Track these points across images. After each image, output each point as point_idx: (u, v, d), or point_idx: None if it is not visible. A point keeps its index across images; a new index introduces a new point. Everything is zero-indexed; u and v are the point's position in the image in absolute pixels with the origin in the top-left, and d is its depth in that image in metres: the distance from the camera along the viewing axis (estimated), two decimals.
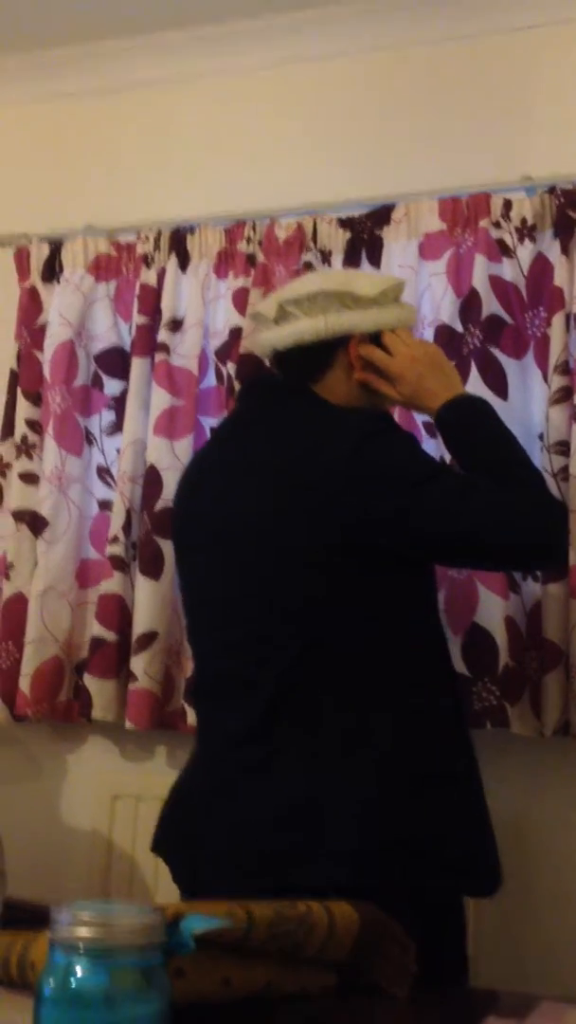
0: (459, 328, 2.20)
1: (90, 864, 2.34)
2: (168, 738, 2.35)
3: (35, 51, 2.68)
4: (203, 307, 2.40)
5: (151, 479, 2.34)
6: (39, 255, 2.57)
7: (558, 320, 2.12)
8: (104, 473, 2.47)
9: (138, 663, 2.27)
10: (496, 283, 2.18)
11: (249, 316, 2.21)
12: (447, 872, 1.42)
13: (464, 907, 1.51)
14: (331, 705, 1.43)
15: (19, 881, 1.99)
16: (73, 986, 0.70)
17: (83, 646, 2.39)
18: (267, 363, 1.78)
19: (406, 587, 1.52)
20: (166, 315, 2.41)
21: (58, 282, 2.54)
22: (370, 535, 1.43)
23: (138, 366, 2.42)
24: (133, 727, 2.27)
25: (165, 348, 2.39)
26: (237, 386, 2.27)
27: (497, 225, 2.21)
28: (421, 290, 2.27)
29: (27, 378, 2.53)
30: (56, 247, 2.56)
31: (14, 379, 2.55)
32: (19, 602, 2.43)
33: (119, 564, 2.34)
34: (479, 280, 2.17)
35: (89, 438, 2.49)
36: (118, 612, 2.33)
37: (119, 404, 2.46)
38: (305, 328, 1.59)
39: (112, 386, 2.48)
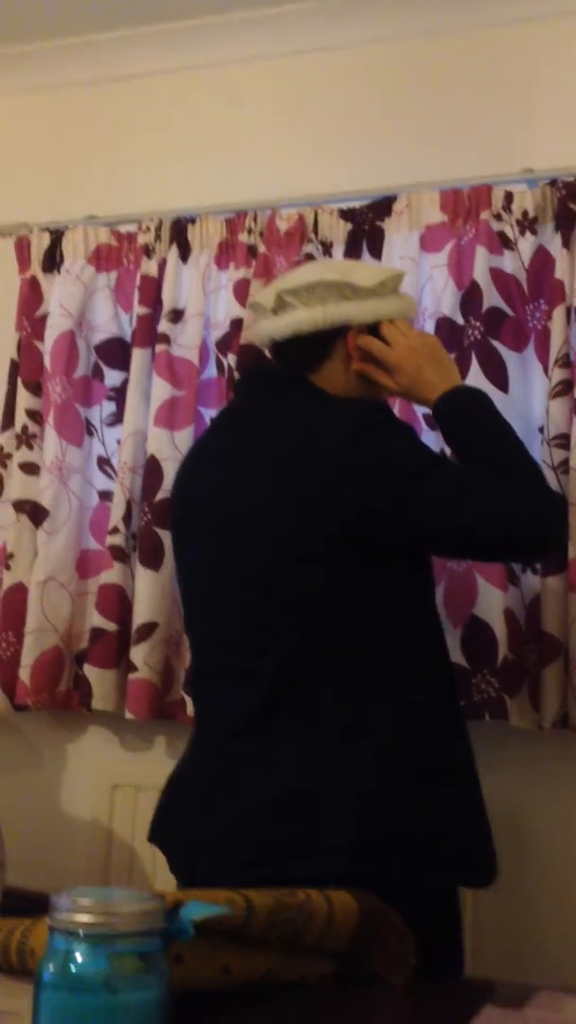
0: (460, 320, 2.20)
1: (89, 853, 2.35)
2: (168, 728, 2.36)
3: (36, 41, 2.67)
4: (204, 298, 2.40)
5: (151, 470, 2.34)
6: (40, 245, 2.57)
7: (559, 313, 2.12)
8: (104, 464, 2.47)
9: (138, 653, 2.28)
10: (497, 275, 2.18)
11: (248, 306, 2.21)
12: (444, 864, 1.42)
13: (460, 898, 1.52)
14: (329, 697, 1.43)
15: (18, 870, 1.99)
16: (73, 971, 0.71)
17: (83, 636, 2.39)
18: (267, 354, 1.78)
19: (405, 579, 1.52)
20: (167, 306, 2.41)
21: (59, 272, 2.54)
22: (368, 526, 1.43)
23: (139, 357, 2.42)
24: (133, 717, 2.28)
25: (166, 339, 2.39)
26: (238, 377, 2.27)
27: (498, 217, 2.21)
28: (422, 282, 2.26)
29: (28, 368, 2.52)
30: (57, 237, 2.56)
31: (15, 369, 2.55)
32: (19, 592, 2.43)
33: (119, 555, 2.35)
34: (480, 272, 2.17)
35: (89, 429, 2.49)
36: (118, 603, 2.33)
37: (119, 395, 2.46)
38: (303, 318, 1.59)
39: (112, 377, 2.49)
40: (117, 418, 2.46)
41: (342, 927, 1.05)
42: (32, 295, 2.56)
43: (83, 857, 2.35)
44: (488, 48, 2.38)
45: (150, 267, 2.45)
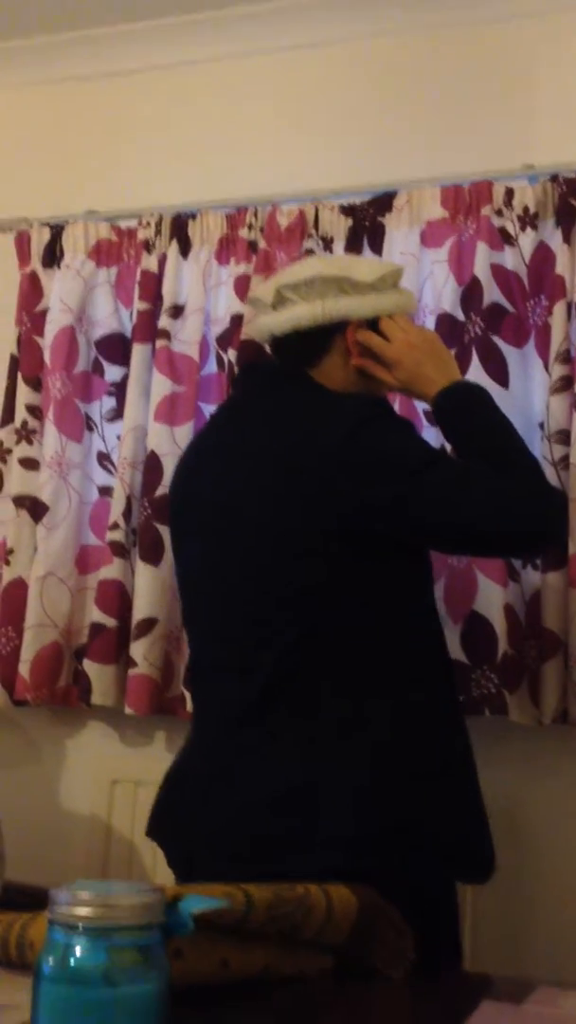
0: (460, 316, 2.20)
1: (89, 848, 2.35)
2: (167, 724, 2.36)
3: (37, 35, 2.67)
4: (204, 293, 2.40)
5: (151, 465, 2.34)
6: (40, 240, 2.57)
7: (559, 309, 2.12)
8: (104, 459, 2.47)
9: (138, 649, 2.28)
10: (498, 271, 2.18)
11: (247, 301, 2.21)
12: (441, 859, 1.42)
13: (457, 893, 1.52)
14: (328, 691, 1.43)
15: (18, 865, 1.99)
16: (72, 964, 0.71)
17: (83, 632, 2.40)
18: (267, 349, 1.78)
19: (404, 575, 1.52)
20: (167, 301, 2.41)
21: (59, 267, 2.54)
22: (367, 521, 1.43)
23: (139, 352, 2.42)
24: (132, 712, 2.28)
25: (166, 334, 2.39)
26: (236, 371, 2.27)
27: (499, 213, 2.21)
28: (423, 278, 2.26)
29: (27, 363, 2.52)
30: (57, 232, 2.56)
31: (14, 364, 2.55)
32: (19, 587, 2.43)
33: (119, 550, 2.35)
34: (481, 268, 2.17)
35: (89, 424, 2.49)
36: (118, 598, 2.33)
37: (120, 390, 2.46)
38: (302, 313, 1.58)
39: (113, 372, 2.48)
40: (117, 413, 2.46)
41: (341, 922, 1.05)
42: (32, 290, 2.56)
43: (82, 852, 2.36)
44: (489, 43, 2.37)
45: (150, 262, 2.45)
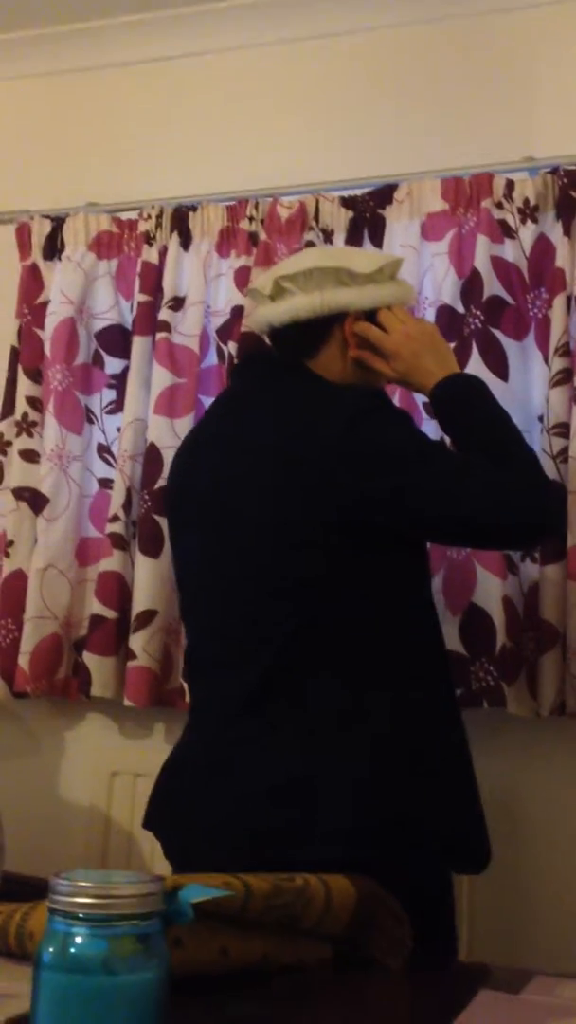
0: (460, 309, 2.20)
1: (88, 840, 2.36)
2: (166, 715, 2.37)
3: (37, 27, 2.67)
4: (205, 286, 2.40)
5: (151, 458, 2.34)
6: (40, 232, 2.56)
7: (559, 302, 2.12)
8: (104, 451, 2.48)
9: (137, 641, 2.28)
10: (498, 264, 2.18)
11: (246, 292, 2.21)
12: (438, 850, 1.43)
13: (453, 884, 1.52)
14: (327, 683, 1.43)
15: (17, 856, 1.99)
16: (72, 953, 0.71)
17: (82, 623, 2.40)
18: (266, 340, 1.78)
19: (402, 568, 1.52)
20: (167, 293, 2.41)
21: (59, 259, 2.53)
22: (366, 513, 1.43)
23: (139, 344, 2.42)
24: (132, 704, 2.28)
25: (166, 326, 2.39)
26: (235, 362, 2.27)
27: (499, 206, 2.21)
28: (423, 270, 2.26)
29: (28, 355, 2.52)
30: (58, 224, 2.55)
31: (15, 356, 2.55)
32: (18, 579, 2.43)
33: (119, 542, 2.35)
34: (481, 261, 2.17)
35: (90, 416, 2.49)
36: (117, 590, 2.34)
37: (120, 382, 2.46)
38: (301, 304, 1.58)
39: (113, 364, 2.48)
40: (117, 406, 2.46)
41: (339, 912, 1.05)
42: (32, 282, 2.55)
43: (81, 843, 2.36)
44: (490, 35, 2.37)
45: (151, 254, 2.45)
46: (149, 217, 2.47)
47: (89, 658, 2.33)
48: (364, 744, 1.41)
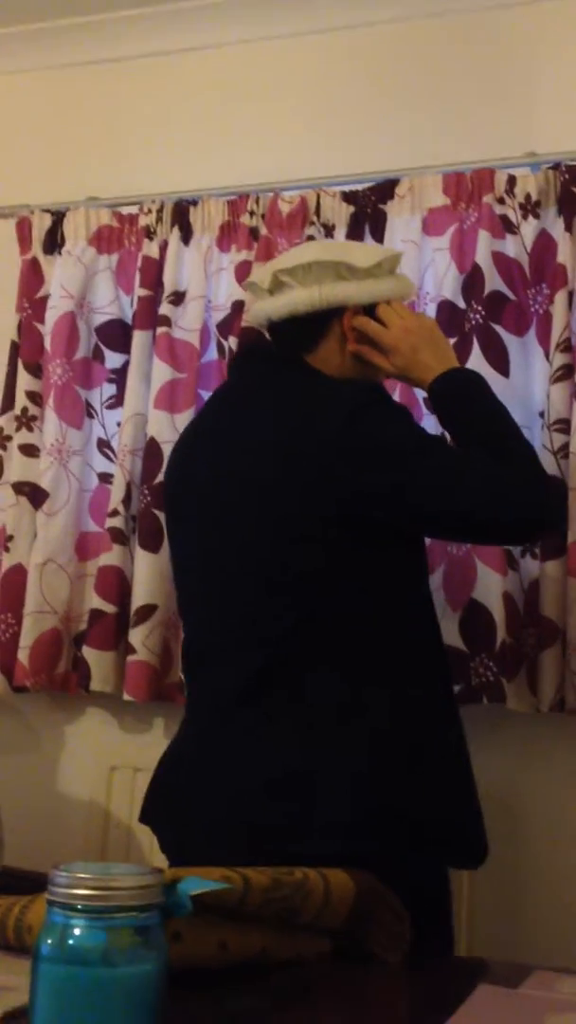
0: (461, 304, 2.19)
1: (87, 834, 2.36)
2: (166, 710, 2.37)
3: (38, 21, 2.66)
4: (205, 280, 2.40)
5: (151, 452, 2.34)
6: (41, 226, 2.56)
7: (560, 297, 2.12)
8: (104, 446, 2.47)
9: (137, 635, 2.28)
10: (499, 259, 2.18)
11: (244, 286, 2.21)
12: (435, 845, 1.43)
13: (449, 879, 1.52)
14: (326, 677, 1.43)
15: (16, 850, 1.99)
16: (71, 944, 0.71)
17: (82, 618, 2.40)
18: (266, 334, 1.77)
19: (401, 563, 1.52)
20: (168, 288, 2.41)
21: (59, 254, 2.53)
22: (365, 507, 1.43)
23: (139, 339, 2.42)
24: (131, 699, 2.28)
25: (167, 321, 2.39)
26: (233, 356, 2.27)
27: (501, 201, 2.20)
28: (424, 265, 2.26)
29: (28, 350, 2.52)
30: (58, 218, 2.55)
31: (15, 351, 2.54)
32: (18, 574, 2.43)
33: (119, 537, 2.35)
34: (482, 256, 2.17)
35: (90, 411, 2.49)
36: (117, 585, 2.34)
37: (120, 377, 2.46)
38: (300, 298, 1.58)
39: (113, 359, 2.48)
40: (117, 400, 2.46)
41: (338, 906, 1.05)
42: (33, 276, 2.55)
43: (81, 838, 2.36)
44: (492, 31, 2.37)
45: (151, 249, 2.44)
46: (150, 211, 2.47)
47: (89, 652, 2.33)
48: (362, 738, 1.41)
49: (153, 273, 2.43)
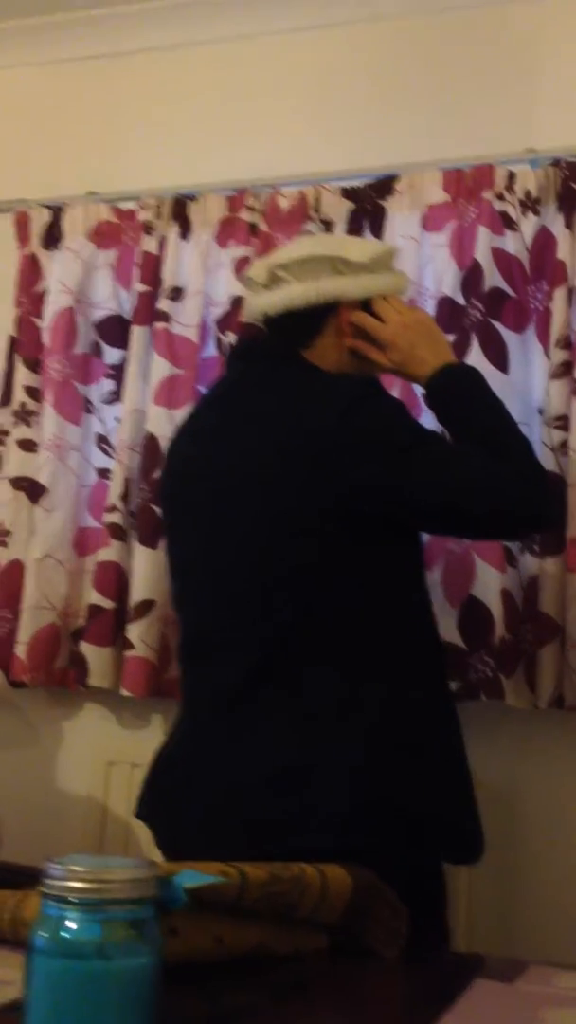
0: (461, 301, 2.19)
1: (85, 829, 2.36)
2: (164, 706, 2.36)
3: (37, 16, 2.66)
4: (204, 276, 2.40)
5: (150, 448, 2.34)
6: (39, 221, 2.56)
7: (560, 294, 2.12)
8: (103, 442, 2.47)
9: (135, 631, 2.28)
10: (499, 256, 2.18)
11: (241, 281, 2.21)
12: (431, 840, 1.43)
13: (445, 875, 1.52)
14: (323, 672, 1.43)
15: (14, 845, 2.00)
16: (65, 937, 0.71)
17: (80, 614, 2.40)
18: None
19: (398, 558, 1.51)
20: (167, 283, 2.40)
21: (58, 249, 2.53)
22: (360, 501, 1.43)
23: (138, 334, 2.41)
24: (129, 694, 2.28)
25: (165, 317, 2.38)
26: (229, 351, 2.27)
27: (500, 197, 2.20)
28: (423, 262, 2.26)
29: (26, 345, 2.52)
30: (57, 213, 2.55)
31: (13, 346, 2.54)
32: (16, 569, 2.43)
33: (117, 532, 2.35)
34: (482, 252, 2.17)
35: (88, 406, 2.48)
36: (115, 580, 2.33)
37: (118, 372, 2.46)
38: (296, 293, 1.57)
39: (112, 354, 2.48)
40: (116, 396, 2.46)
41: (335, 901, 1.05)
42: (31, 271, 2.55)
43: (78, 833, 2.36)
44: (491, 27, 2.36)
45: (150, 244, 2.44)
46: (149, 207, 2.46)
47: (87, 648, 2.33)
48: (359, 734, 1.40)
49: (152, 268, 2.42)
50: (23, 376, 2.50)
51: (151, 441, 2.34)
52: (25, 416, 2.49)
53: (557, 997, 0.95)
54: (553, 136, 2.24)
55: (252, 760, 1.41)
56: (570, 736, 2.13)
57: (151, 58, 2.62)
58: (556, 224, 2.17)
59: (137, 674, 2.27)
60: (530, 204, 2.18)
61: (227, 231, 2.40)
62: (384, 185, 2.30)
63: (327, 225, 2.33)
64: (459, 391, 1.57)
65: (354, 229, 2.31)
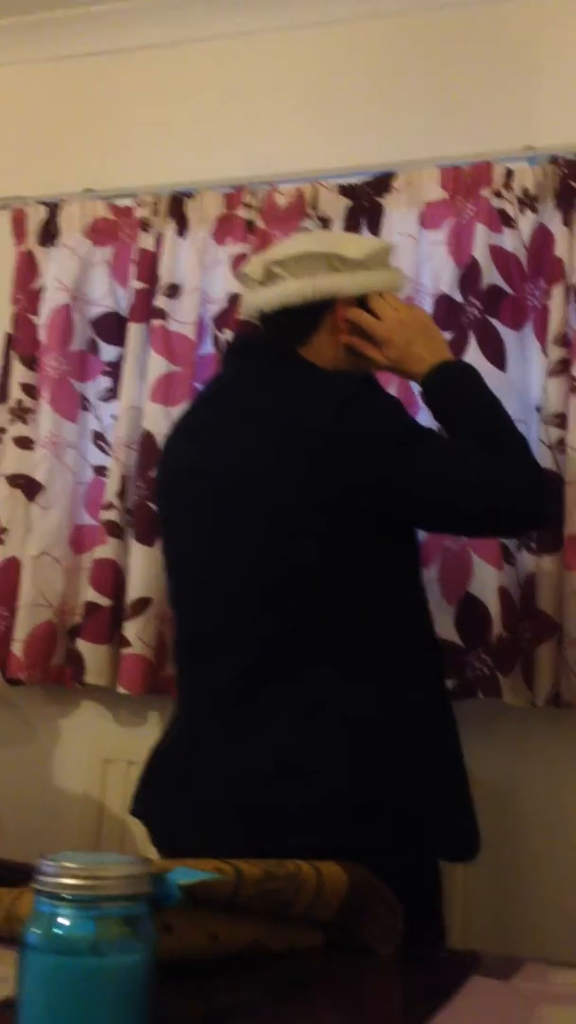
0: (458, 298, 2.19)
1: (81, 827, 2.36)
2: (160, 703, 2.36)
3: (35, 12, 2.65)
4: (201, 273, 2.39)
5: (147, 445, 2.34)
6: (36, 218, 2.55)
7: (558, 291, 2.12)
8: (99, 439, 2.47)
9: (131, 628, 2.28)
10: (497, 253, 2.17)
11: (237, 278, 2.20)
12: (427, 838, 1.42)
13: (441, 872, 1.51)
14: (319, 670, 1.43)
15: (10, 842, 2.00)
16: (58, 934, 0.71)
17: (77, 611, 2.39)
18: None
19: (394, 557, 1.51)
20: (164, 281, 2.40)
21: (55, 246, 2.52)
22: (356, 499, 1.43)
23: (135, 332, 2.41)
24: (126, 692, 2.28)
25: (162, 314, 2.38)
26: (225, 348, 2.26)
27: (498, 195, 2.20)
28: (421, 259, 2.26)
29: (23, 342, 2.51)
30: (53, 210, 2.54)
31: (9, 343, 2.54)
32: (13, 566, 2.43)
33: (114, 530, 2.34)
34: (479, 250, 2.16)
35: (85, 403, 2.48)
36: (112, 577, 2.33)
37: (115, 370, 2.45)
38: (292, 290, 1.57)
39: (108, 352, 2.48)
40: (112, 393, 2.45)
41: (330, 898, 1.05)
42: (28, 268, 2.55)
43: (75, 831, 2.36)
44: (489, 24, 2.36)
45: (147, 241, 2.44)
46: (145, 204, 2.46)
47: (83, 645, 2.33)
48: (356, 732, 1.40)
49: (149, 265, 2.42)
50: (19, 373, 2.50)
51: (148, 438, 2.34)
52: (21, 413, 2.48)
53: (553, 994, 0.95)
54: (551, 133, 2.24)
55: (249, 758, 1.41)
56: (567, 734, 2.13)
57: (149, 55, 2.62)
58: (554, 221, 2.17)
59: (134, 671, 2.27)
60: (528, 201, 2.18)
61: (224, 228, 2.40)
62: (382, 182, 2.30)
63: (325, 222, 2.33)
64: (456, 388, 1.57)
65: (352, 226, 2.30)
